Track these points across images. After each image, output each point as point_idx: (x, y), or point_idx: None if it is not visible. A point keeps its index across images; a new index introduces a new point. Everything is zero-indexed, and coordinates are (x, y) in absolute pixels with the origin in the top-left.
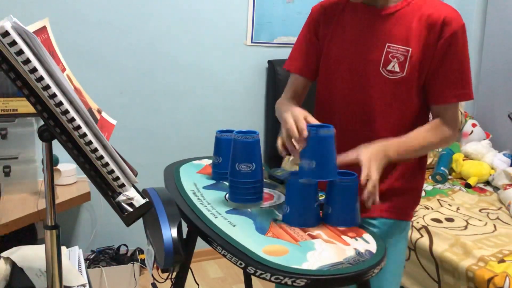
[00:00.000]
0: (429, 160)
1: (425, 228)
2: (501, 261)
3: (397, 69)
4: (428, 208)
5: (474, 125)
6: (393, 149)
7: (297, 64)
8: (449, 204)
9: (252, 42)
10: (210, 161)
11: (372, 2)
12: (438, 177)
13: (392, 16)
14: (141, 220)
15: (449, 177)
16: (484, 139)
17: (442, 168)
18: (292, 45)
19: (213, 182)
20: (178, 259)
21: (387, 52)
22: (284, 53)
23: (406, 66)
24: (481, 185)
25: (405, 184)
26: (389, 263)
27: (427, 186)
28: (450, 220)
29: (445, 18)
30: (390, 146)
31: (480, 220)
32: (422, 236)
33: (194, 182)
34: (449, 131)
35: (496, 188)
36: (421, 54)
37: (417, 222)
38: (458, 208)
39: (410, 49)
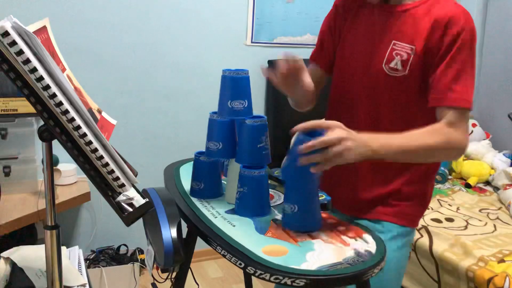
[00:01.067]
0: None
1: (425, 228)
2: (501, 261)
3: (399, 67)
4: (428, 208)
5: (474, 125)
6: (382, 142)
7: (313, 54)
8: (449, 204)
9: (252, 42)
10: None
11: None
12: (438, 177)
13: (404, 14)
14: (141, 220)
15: (449, 177)
16: (484, 139)
17: (442, 168)
18: (292, 45)
19: None
20: (178, 259)
21: (391, 49)
22: None
23: (408, 64)
24: (481, 185)
25: (414, 190)
26: (390, 270)
27: None
28: (450, 220)
29: (452, 17)
30: (378, 138)
31: (480, 220)
32: (422, 236)
33: None
34: (456, 135)
35: (496, 188)
36: (424, 53)
37: None
38: (458, 208)
39: (414, 47)
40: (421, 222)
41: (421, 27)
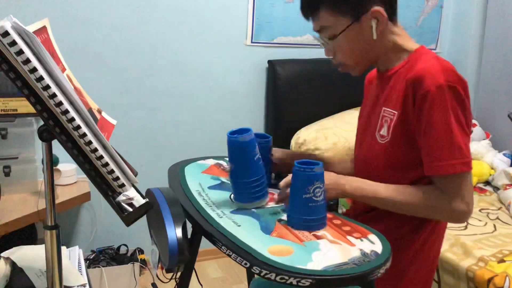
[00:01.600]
0: None
1: None
2: (501, 261)
3: (385, 133)
4: None
5: (474, 125)
6: (354, 185)
7: None
8: None
9: (252, 42)
10: (215, 161)
11: (379, 67)
12: None
13: (391, 78)
14: (141, 220)
15: None
16: (484, 139)
17: None
18: (292, 45)
19: (218, 182)
20: (182, 259)
21: (382, 116)
22: (284, 53)
23: (391, 130)
24: (481, 185)
25: (410, 260)
26: None
27: None
28: None
29: (418, 77)
30: (354, 180)
31: (480, 220)
32: None
33: (199, 182)
34: (446, 202)
35: (496, 188)
36: (402, 116)
37: None
38: None
39: (396, 112)
40: None
41: (400, 89)
